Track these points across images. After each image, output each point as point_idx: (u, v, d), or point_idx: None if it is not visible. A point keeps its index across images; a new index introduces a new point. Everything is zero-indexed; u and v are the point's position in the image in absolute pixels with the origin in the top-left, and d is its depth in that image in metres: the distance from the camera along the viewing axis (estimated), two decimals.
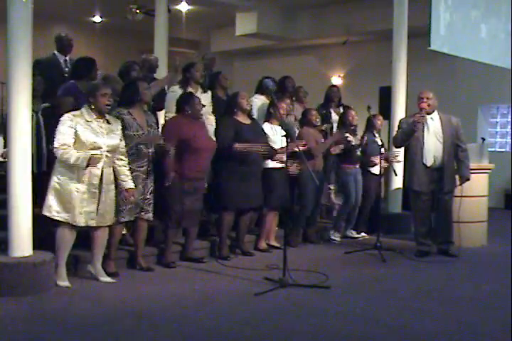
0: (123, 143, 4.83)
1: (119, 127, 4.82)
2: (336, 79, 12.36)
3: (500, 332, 3.80)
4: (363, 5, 10.64)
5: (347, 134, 6.68)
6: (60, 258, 4.66)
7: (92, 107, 4.65)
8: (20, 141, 4.45)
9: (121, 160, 4.81)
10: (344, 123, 6.93)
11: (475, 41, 7.72)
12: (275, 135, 5.98)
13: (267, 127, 6.05)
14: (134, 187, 4.83)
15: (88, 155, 4.44)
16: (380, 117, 7.20)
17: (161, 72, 7.62)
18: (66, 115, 4.60)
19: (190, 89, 6.00)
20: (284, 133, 4.99)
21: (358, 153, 6.81)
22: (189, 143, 5.26)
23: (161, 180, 5.20)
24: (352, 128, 6.87)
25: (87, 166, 4.46)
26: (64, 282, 4.64)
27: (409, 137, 5.91)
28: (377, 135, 7.02)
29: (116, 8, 10.60)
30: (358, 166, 6.90)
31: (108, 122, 4.72)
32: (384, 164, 6.55)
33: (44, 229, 5.05)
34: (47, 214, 4.58)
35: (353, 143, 6.67)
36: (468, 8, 7.59)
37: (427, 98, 5.91)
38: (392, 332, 3.80)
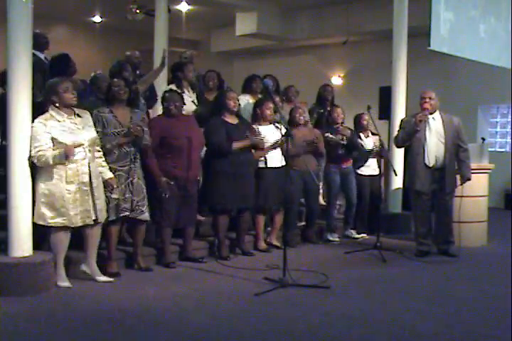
0: (96, 134, 4.75)
1: (90, 118, 4.76)
2: (336, 79, 12.36)
3: (501, 332, 3.80)
4: (363, 5, 10.65)
5: (327, 134, 6.66)
6: (59, 259, 4.65)
7: (57, 105, 4.53)
8: (21, 141, 4.44)
9: (98, 151, 4.76)
10: (328, 122, 6.92)
11: (475, 41, 7.71)
12: (261, 134, 5.93)
13: None
14: (112, 176, 4.80)
15: (63, 149, 4.36)
16: (365, 117, 7.01)
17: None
18: (37, 121, 4.46)
19: (184, 89, 5.98)
20: (284, 132, 4.99)
21: (340, 151, 6.73)
22: (170, 142, 5.24)
23: (148, 181, 5.18)
24: (336, 126, 6.83)
25: (67, 158, 4.37)
26: (64, 282, 4.63)
27: (411, 137, 5.90)
28: (363, 136, 6.98)
29: (116, 8, 10.61)
30: (345, 166, 6.85)
31: (79, 116, 4.65)
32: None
33: (44, 229, 5.05)
34: (41, 222, 4.52)
35: (331, 142, 6.63)
36: (468, 8, 7.59)
37: (430, 98, 5.90)
38: (392, 332, 3.80)
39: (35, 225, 4.58)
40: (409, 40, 7.61)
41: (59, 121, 4.50)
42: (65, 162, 4.41)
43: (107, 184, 4.77)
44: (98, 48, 12.41)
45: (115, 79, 5.16)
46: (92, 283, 4.77)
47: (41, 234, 4.74)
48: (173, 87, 6.19)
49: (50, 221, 4.51)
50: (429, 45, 6.86)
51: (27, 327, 3.77)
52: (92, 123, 4.75)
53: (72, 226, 4.55)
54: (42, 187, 4.49)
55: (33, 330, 3.73)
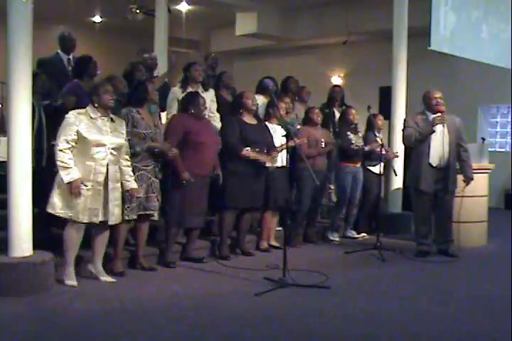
0: (127, 143, 4.86)
1: (124, 127, 4.86)
2: (336, 79, 12.36)
3: (501, 332, 3.80)
4: (363, 5, 10.64)
5: (347, 132, 6.68)
6: (68, 257, 4.66)
7: (96, 105, 4.68)
8: (21, 141, 4.44)
9: (126, 160, 4.83)
10: (345, 122, 6.94)
11: (475, 41, 7.72)
12: (274, 134, 5.98)
13: None
14: (136, 187, 4.87)
15: (76, 178, 4.44)
16: (381, 117, 7.18)
17: (161, 72, 7.61)
18: (70, 112, 4.62)
19: (190, 89, 5.99)
20: (285, 133, 5.01)
21: (359, 152, 6.78)
22: (192, 138, 5.27)
23: (168, 181, 5.24)
24: (352, 126, 6.88)
25: (69, 185, 4.45)
26: (72, 281, 4.64)
27: (425, 138, 5.87)
28: (377, 134, 7.02)
29: (116, 8, 10.62)
30: (358, 165, 6.90)
31: (112, 120, 4.75)
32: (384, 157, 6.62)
33: (44, 229, 5.06)
34: (51, 211, 4.57)
35: (353, 142, 6.66)
36: (469, 8, 7.60)
37: (440, 98, 5.92)
38: (392, 332, 3.80)
39: (35, 225, 4.59)
40: (409, 40, 7.61)
41: (91, 118, 4.62)
42: (64, 179, 4.46)
43: (128, 193, 4.81)
44: (98, 48, 12.37)
45: (151, 84, 5.24)
46: (93, 282, 4.77)
47: (42, 234, 4.75)
48: (175, 89, 6.17)
49: (58, 211, 4.55)
50: (429, 45, 6.87)
51: (27, 327, 3.78)
52: (124, 131, 4.82)
53: (78, 221, 4.56)
54: (59, 176, 4.55)
55: (33, 330, 3.73)
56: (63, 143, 4.50)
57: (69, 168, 4.47)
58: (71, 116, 4.59)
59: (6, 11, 4.42)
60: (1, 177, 4.64)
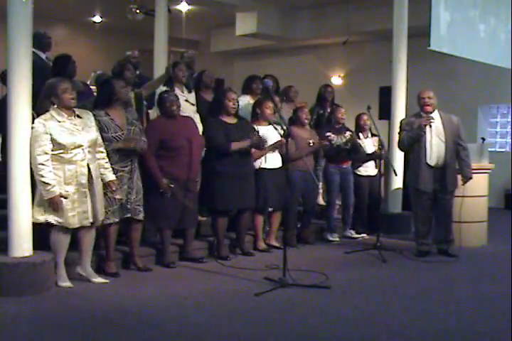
0: (99, 135, 4.73)
1: (92, 118, 4.71)
2: (336, 79, 12.36)
3: (501, 332, 3.80)
4: (363, 5, 10.64)
5: (329, 133, 6.64)
6: (59, 260, 4.63)
7: (56, 107, 4.52)
8: (20, 141, 4.44)
9: (100, 152, 4.73)
10: (330, 121, 6.89)
11: (475, 41, 7.72)
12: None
13: None
14: (114, 178, 4.77)
15: (55, 195, 4.37)
16: (364, 117, 6.99)
17: (161, 72, 7.60)
18: (36, 121, 4.45)
19: (176, 89, 5.95)
20: (282, 132, 4.99)
21: (341, 151, 6.72)
22: (169, 144, 5.23)
23: (148, 182, 5.19)
24: (338, 126, 6.82)
25: (48, 200, 4.38)
26: (65, 282, 4.63)
27: (417, 141, 5.87)
28: (362, 136, 6.96)
29: (116, 8, 10.61)
30: (345, 166, 6.85)
31: (79, 117, 4.61)
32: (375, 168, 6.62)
33: (44, 229, 5.04)
34: (39, 217, 4.51)
35: (333, 142, 6.62)
36: (468, 8, 7.60)
37: (429, 97, 5.90)
38: (392, 333, 3.80)
39: (35, 225, 4.58)
40: (409, 40, 7.60)
41: (59, 122, 4.48)
42: (44, 194, 4.40)
43: (107, 186, 4.74)
44: (98, 48, 12.41)
45: (118, 81, 5.06)
46: (92, 283, 4.76)
47: (42, 234, 4.74)
48: (163, 88, 6.14)
49: (47, 217, 4.48)
50: (429, 45, 6.86)
51: (27, 327, 3.77)
52: (93, 123, 4.69)
53: (70, 227, 4.54)
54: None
55: (32, 330, 3.73)
56: (42, 155, 4.38)
57: (48, 184, 4.36)
58: (39, 125, 4.41)
59: (6, 11, 4.42)
60: (1, 177, 4.64)
